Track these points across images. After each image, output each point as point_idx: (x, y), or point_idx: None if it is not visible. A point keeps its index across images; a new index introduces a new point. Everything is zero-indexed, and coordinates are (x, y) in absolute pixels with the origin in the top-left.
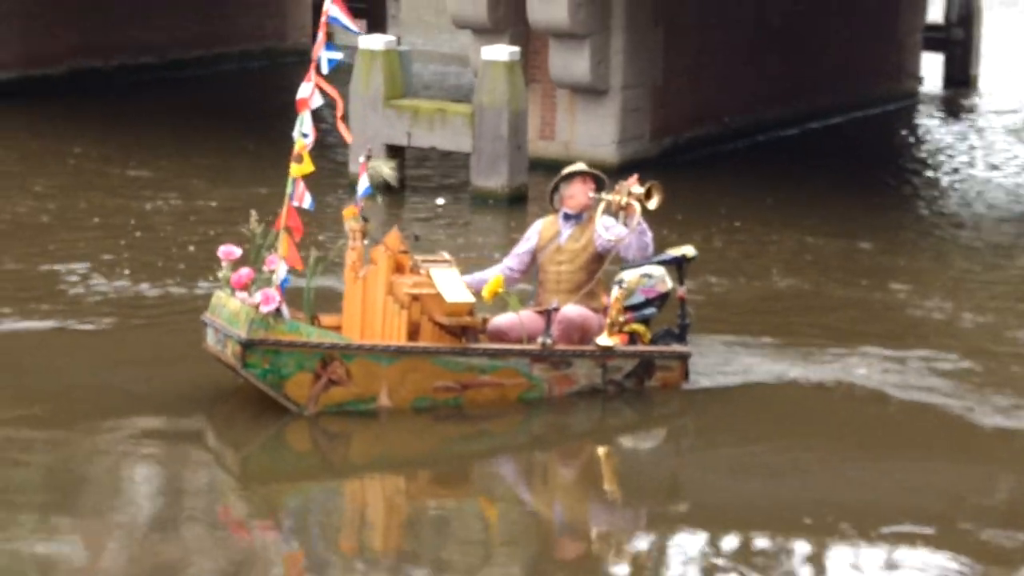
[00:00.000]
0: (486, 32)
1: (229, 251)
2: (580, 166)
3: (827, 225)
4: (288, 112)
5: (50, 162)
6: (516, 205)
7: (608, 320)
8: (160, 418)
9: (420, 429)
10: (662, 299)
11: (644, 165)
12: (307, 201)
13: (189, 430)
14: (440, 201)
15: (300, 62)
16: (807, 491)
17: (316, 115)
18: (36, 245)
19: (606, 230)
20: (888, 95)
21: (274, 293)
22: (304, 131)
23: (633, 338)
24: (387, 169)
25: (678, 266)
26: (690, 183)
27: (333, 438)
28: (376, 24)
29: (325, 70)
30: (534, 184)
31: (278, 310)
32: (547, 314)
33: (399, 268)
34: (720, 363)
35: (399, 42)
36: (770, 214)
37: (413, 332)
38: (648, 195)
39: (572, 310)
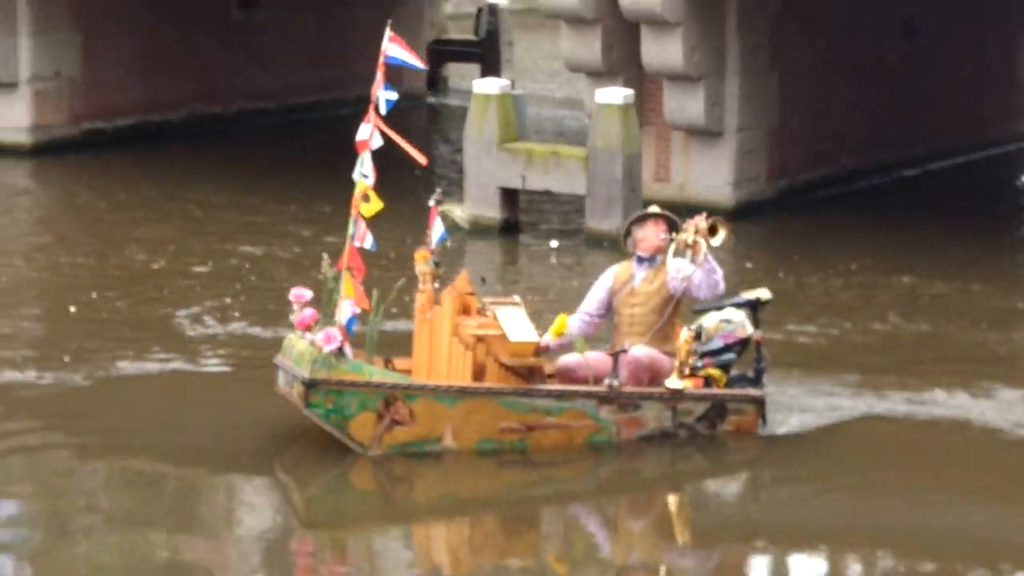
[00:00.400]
0: (600, 75)
1: (300, 294)
2: (653, 208)
3: (944, 267)
4: (401, 157)
5: (168, 207)
6: None
7: (677, 362)
8: (245, 457)
9: (485, 473)
10: (742, 345)
11: (760, 207)
12: (368, 241)
13: (263, 469)
14: (554, 244)
15: (414, 106)
16: (924, 534)
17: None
18: (152, 289)
19: (677, 272)
20: (1007, 136)
21: (336, 332)
22: (364, 172)
23: (708, 383)
24: (459, 212)
25: (753, 309)
26: (806, 225)
27: (397, 480)
28: (490, 68)
29: (383, 111)
30: None
31: (341, 350)
32: (615, 356)
33: (466, 310)
34: (825, 405)
35: (513, 86)
36: (886, 256)
37: (479, 373)
38: (713, 231)
39: (640, 351)
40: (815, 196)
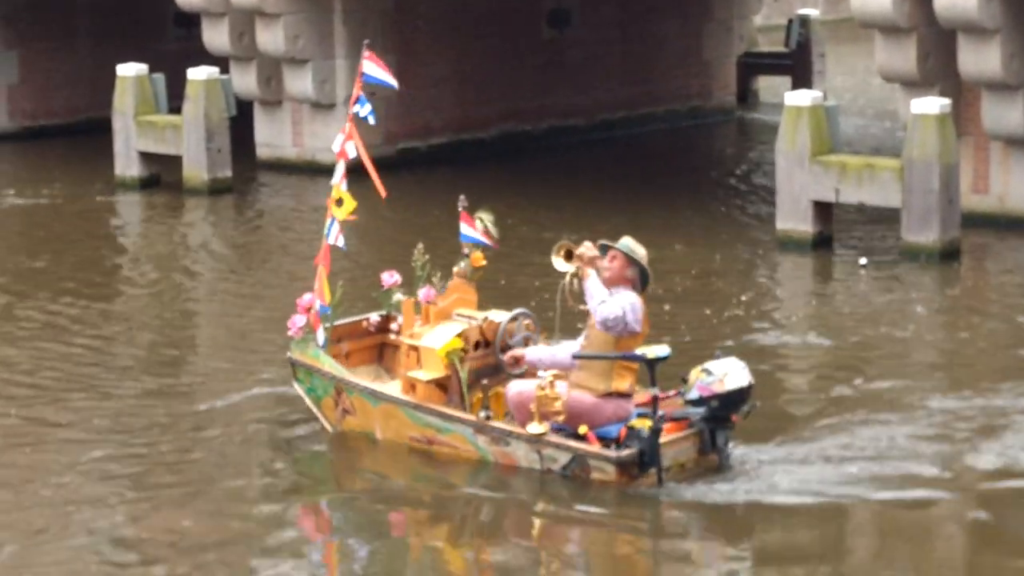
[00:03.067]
0: (915, 85)
1: (388, 277)
2: (601, 243)
3: None
4: (712, 169)
5: None
6: (948, 261)
7: (534, 406)
8: None
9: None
10: (722, 400)
11: None
12: (340, 241)
13: None
14: (863, 261)
15: (726, 121)
16: None
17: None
18: None
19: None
20: None
21: (300, 319)
22: (336, 180)
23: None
24: (488, 222)
25: (648, 366)
26: None
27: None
28: (802, 80)
29: (370, 120)
30: (967, 239)
31: (313, 335)
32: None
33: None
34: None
35: (825, 97)
36: None
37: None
38: (569, 256)
39: (513, 387)
40: None
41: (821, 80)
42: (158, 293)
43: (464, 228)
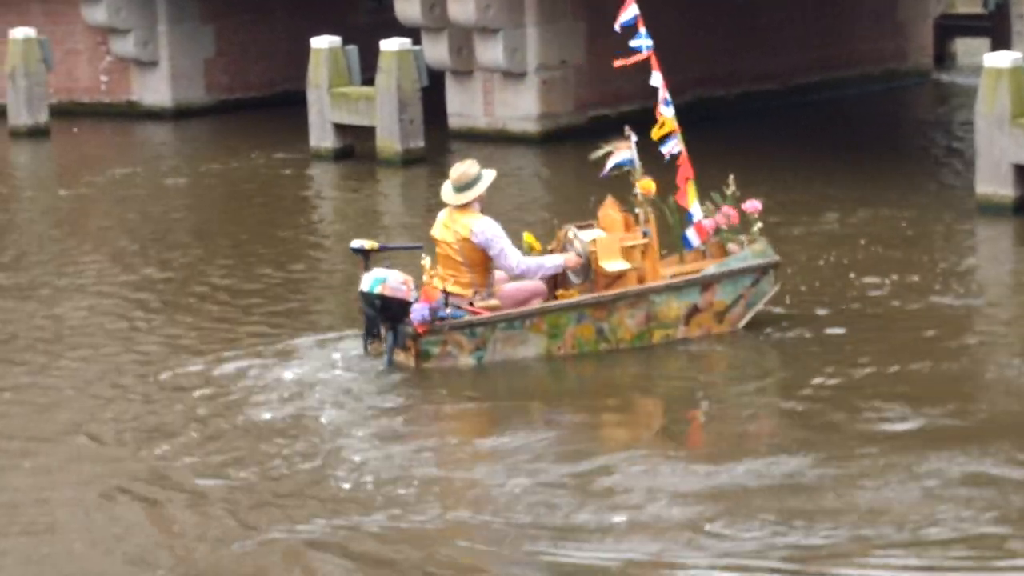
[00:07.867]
0: None
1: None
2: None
3: None
4: (909, 133)
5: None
6: None
7: None
8: None
9: None
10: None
11: None
12: (670, 149)
13: None
14: None
15: (921, 83)
16: None
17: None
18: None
19: None
20: None
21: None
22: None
23: None
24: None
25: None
26: None
27: None
28: (1001, 42)
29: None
30: None
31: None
32: None
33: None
34: None
35: None
36: None
37: None
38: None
39: None
40: None
41: (1020, 42)
42: (356, 260)
43: (621, 155)
